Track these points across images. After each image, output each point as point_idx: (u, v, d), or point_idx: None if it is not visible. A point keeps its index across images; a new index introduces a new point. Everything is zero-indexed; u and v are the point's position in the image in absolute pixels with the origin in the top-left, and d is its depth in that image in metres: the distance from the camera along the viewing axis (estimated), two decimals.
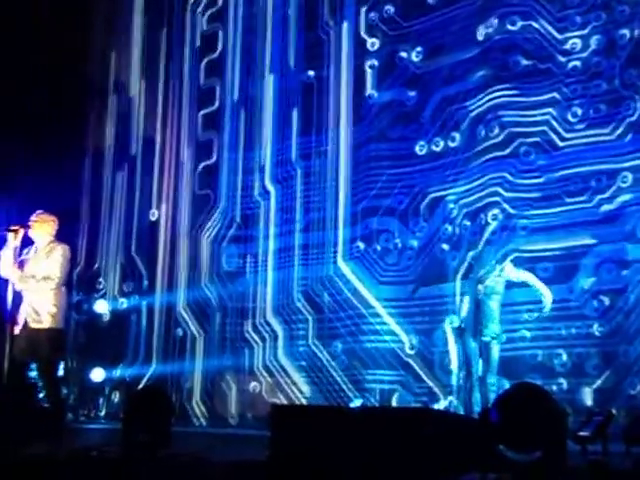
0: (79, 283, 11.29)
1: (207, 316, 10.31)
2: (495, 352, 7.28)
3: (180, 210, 10.80)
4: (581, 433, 5.00)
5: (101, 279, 11.29)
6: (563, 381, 7.68)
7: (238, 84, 10.54)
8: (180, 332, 10.46)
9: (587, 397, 7.48)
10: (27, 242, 7.12)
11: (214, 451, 5.67)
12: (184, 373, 10.26)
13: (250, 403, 9.71)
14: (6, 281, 7.03)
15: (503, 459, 4.25)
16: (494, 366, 7.25)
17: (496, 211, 8.30)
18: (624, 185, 7.51)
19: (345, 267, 9.36)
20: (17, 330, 6.92)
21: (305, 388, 9.34)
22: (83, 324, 11.29)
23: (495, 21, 8.47)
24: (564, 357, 7.71)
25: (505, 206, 8.24)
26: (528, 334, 7.88)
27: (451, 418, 5.68)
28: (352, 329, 9.13)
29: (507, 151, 8.28)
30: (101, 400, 10.82)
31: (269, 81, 10.25)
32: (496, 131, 8.37)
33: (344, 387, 9.09)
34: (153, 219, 11.05)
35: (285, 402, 9.08)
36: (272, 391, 9.52)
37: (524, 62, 8.30)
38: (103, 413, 10.73)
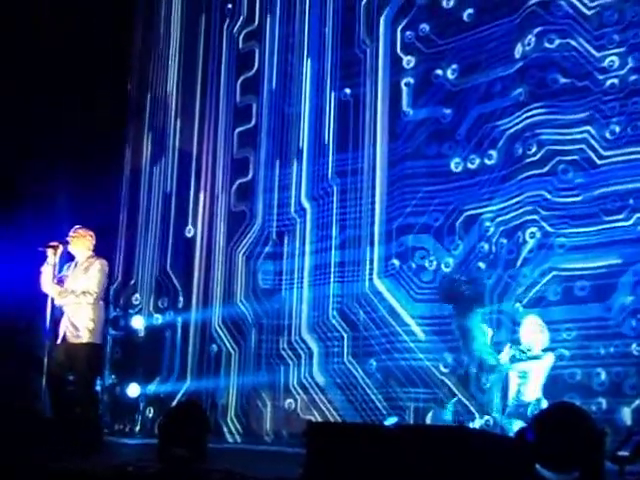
0: (116, 298, 11.39)
1: (242, 333, 10.31)
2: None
3: (216, 227, 10.85)
4: (619, 453, 4.95)
5: (137, 295, 11.36)
6: (602, 400, 7.58)
7: (274, 102, 10.59)
8: (215, 348, 10.48)
9: (627, 417, 7.40)
10: (66, 258, 7.24)
11: (249, 467, 5.68)
12: (219, 389, 10.27)
13: (285, 420, 9.71)
14: (46, 296, 7.15)
15: (540, 479, 4.22)
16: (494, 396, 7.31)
17: (533, 229, 8.24)
18: None
19: (380, 285, 9.34)
20: (56, 344, 7.03)
21: (340, 406, 9.32)
22: (120, 340, 11.36)
23: (533, 39, 8.45)
24: (602, 376, 7.63)
25: (543, 224, 8.19)
26: (567, 353, 7.82)
27: (487, 437, 5.63)
28: (387, 347, 9.10)
29: (544, 169, 8.22)
30: (136, 416, 10.88)
31: (305, 98, 10.29)
32: (533, 149, 8.32)
33: (379, 405, 9.05)
34: (189, 235, 11.13)
35: (320, 419, 9.07)
36: (307, 408, 9.52)
37: (561, 80, 8.26)
38: (138, 429, 10.79)
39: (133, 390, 10.88)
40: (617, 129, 7.83)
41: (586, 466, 4.24)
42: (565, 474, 4.21)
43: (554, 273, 7.97)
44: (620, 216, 7.69)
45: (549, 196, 8.18)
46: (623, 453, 4.96)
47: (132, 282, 11.45)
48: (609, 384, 7.61)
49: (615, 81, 7.90)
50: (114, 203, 11.64)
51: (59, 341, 7.03)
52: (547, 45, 8.39)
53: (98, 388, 9.36)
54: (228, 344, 10.39)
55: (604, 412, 7.49)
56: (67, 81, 10.94)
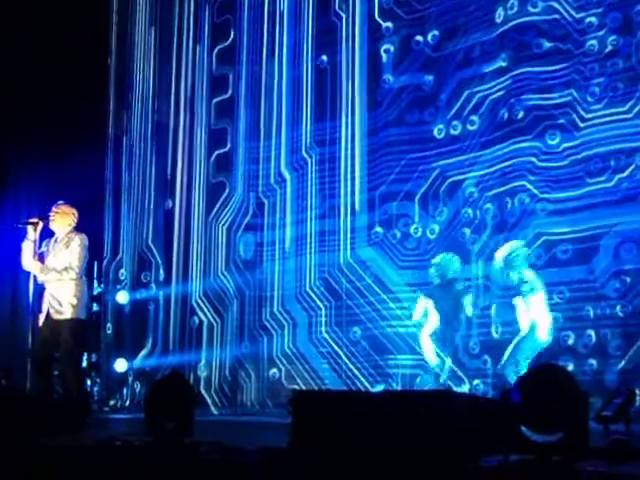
0: (105, 274, 11.39)
1: (225, 305, 10.33)
2: None
3: (194, 199, 10.81)
4: (603, 413, 4.97)
5: (123, 270, 11.35)
6: (593, 362, 7.60)
7: (251, 72, 10.50)
8: (197, 321, 10.48)
9: (613, 377, 7.45)
10: (46, 234, 7.20)
11: (235, 439, 5.68)
12: (202, 362, 10.29)
13: (270, 390, 9.74)
14: (27, 274, 7.11)
15: (525, 440, 4.22)
16: None
17: (519, 194, 8.23)
18: None
19: (364, 253, 9.34)
20: (40, 322, 7.01)
21: (325, 375, 9.35)
22: (108, 315, 11.37)
23: (514, 2, 8.39)
24: (593, 339, 7.65)
25: (529, 188, 8.17)
26: (559, 315, 7.86)
27: (473, 400, 5.65)
28: (372, 315, 9.12)
29: (528, 134, 8.20)
30: (125, 391, 10.91)
31: (282, 68, 10.21)
32: (517, 114, 8.29)
33: (365, 373, 9.09)
34: (168, 208, 11.08)
35: (305, 389, 9.08)
36: (291, 378, 9.54)
37: (543, 43, 8.21)
38: (127, 403, 10.81)
39: (120, 365, 10.91)
40: (597, 90, 7.80)
41: (570, 426, 4.24)
42: (549, 435, 4.21)
43: (544, 238, 7.98)
44: (602, 178, 7.69)
45: (533, 159, 8.17)
46: (606, 413, 4.99)
47: (118, 257, 11.43)
48: (595, 346, 7.64)
49: (594, 42, 7.85)
50: (98, 178, 11.59)
51: (43, 318, 7.01)
52: (528, 8, 8.31)
53: (84, 364, 9.36)
54: (210, 316, 10.39)
55: (594, 374, 7.54)
56: (47, 60, 10.88)
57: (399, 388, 8.71)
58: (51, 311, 6.98)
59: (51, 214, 7.13)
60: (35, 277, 7.06)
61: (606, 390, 6.82)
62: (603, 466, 3.86)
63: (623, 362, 7.40)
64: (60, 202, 7.24)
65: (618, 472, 3.79)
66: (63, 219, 7.14)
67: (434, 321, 8.31)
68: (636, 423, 4.90)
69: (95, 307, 11.20)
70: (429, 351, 8.36)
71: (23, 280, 7.31)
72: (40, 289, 7.11)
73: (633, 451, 4.21)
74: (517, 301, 7.72)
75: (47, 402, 6.69)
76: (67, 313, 6.96)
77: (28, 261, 7.04)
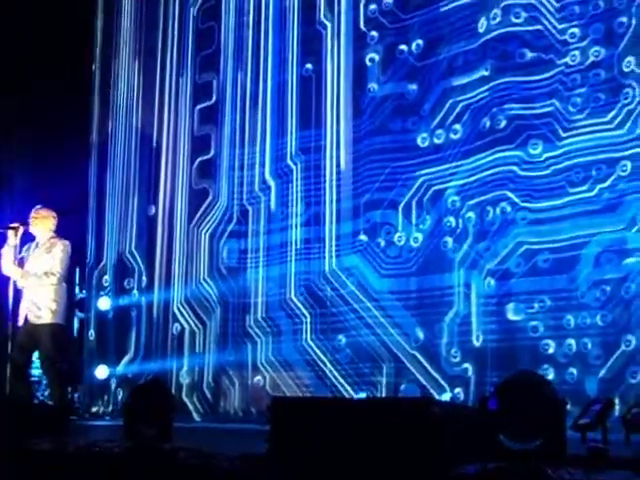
0: (89, 280, 11.37)
1: (208, 311, 10.32)
2: None
3: (178, 205, 10.81)
4: (581, 421, 4.99)
5: (106, 276, 11.33)
6: (573, 371, 7.63)
7: (235, 79, 10.51)
8: (179, 328, 10.47)
9: (593, 386, 7.47)
10: (27, 239, 7.19)
11: (216, 445, 5.67)
12: (185, 368, 10.27)
13: (253, 398, 9.73)
14: (7, 279, 7.10)
15: (503, 448, 4.23)
16: None
17: (500, 203, 8.26)
18: (623, 174, 7.48)
19: (348, 261, 9.35)
20: (18, 327, 6.99)
21: (310, 382, 9.34)
22: (91, 321, 11.34)
23: (498, 12, 8.44)
24: (573, 347, 7.68)
25: (510, 197, 8.20)
26: (538, 324, 7.88)
27: (453, 408, 5.66)
28: (357, 322, 9.12)
29: (510, 143, 8.22)
30: (107, 397, 10.87)
31: (267, 75, 10.22)
32: (499, 123, 8.31)
33: (349, 380, 9.09)
34: (151, 214, 11.07)
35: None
36: (276, 385, 9.53)
37: (524, 53, 8.26)
38: (110, 410, 10.78)
39: (101, 372, 10.88)
40: (579, 101, 7.85)
41: (548, 434, 4.26)
42: (527, 443, 4.22)
43: (525, 247, 8.01)
44: (583, 188, 7.72)
45: (515, 169, 8.20)
46: (584, 421, 5.01)
47: (102, 263, 11.41)
48: (576, 355, 7.67)
49: (576, 53, 7.90)
50: (82, 184, 11.58)
51: (21, 323, 7.00)
52: (511, 18, 8.36)
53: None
54: (192, 323, 10.38)
55: (574, 383, 7.56)
56: (32, 65, 10.86)
57: (382, 396, 8.72)
58: (30, 316, 6.97)
59: (31, 219, 7.13)
60: (15, 282, 7.05)
61: (586, 399, 6.85)
62: (580, 474, 3.87)
63: (603, 371, 7.43)
64: (38, 206, 7.26)
65: None
66: (44, 223, 7.15)
67: None
68: (613, 431, 4.94)
69: (78, 313, 11.19)
70: None
71: (2, 285, 7.29)
72: (20, 294, 7.10)
73: (610, 459, 4.23)
74: None
75: (26, 407, 6.67)
76: (46, 318, 6.96)
77: (8, 266, 7.03)
